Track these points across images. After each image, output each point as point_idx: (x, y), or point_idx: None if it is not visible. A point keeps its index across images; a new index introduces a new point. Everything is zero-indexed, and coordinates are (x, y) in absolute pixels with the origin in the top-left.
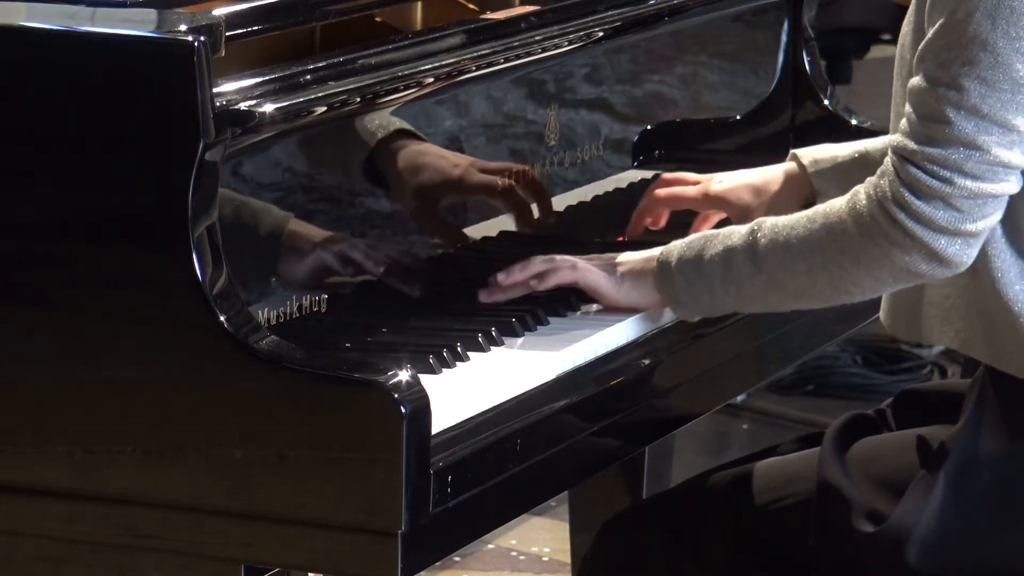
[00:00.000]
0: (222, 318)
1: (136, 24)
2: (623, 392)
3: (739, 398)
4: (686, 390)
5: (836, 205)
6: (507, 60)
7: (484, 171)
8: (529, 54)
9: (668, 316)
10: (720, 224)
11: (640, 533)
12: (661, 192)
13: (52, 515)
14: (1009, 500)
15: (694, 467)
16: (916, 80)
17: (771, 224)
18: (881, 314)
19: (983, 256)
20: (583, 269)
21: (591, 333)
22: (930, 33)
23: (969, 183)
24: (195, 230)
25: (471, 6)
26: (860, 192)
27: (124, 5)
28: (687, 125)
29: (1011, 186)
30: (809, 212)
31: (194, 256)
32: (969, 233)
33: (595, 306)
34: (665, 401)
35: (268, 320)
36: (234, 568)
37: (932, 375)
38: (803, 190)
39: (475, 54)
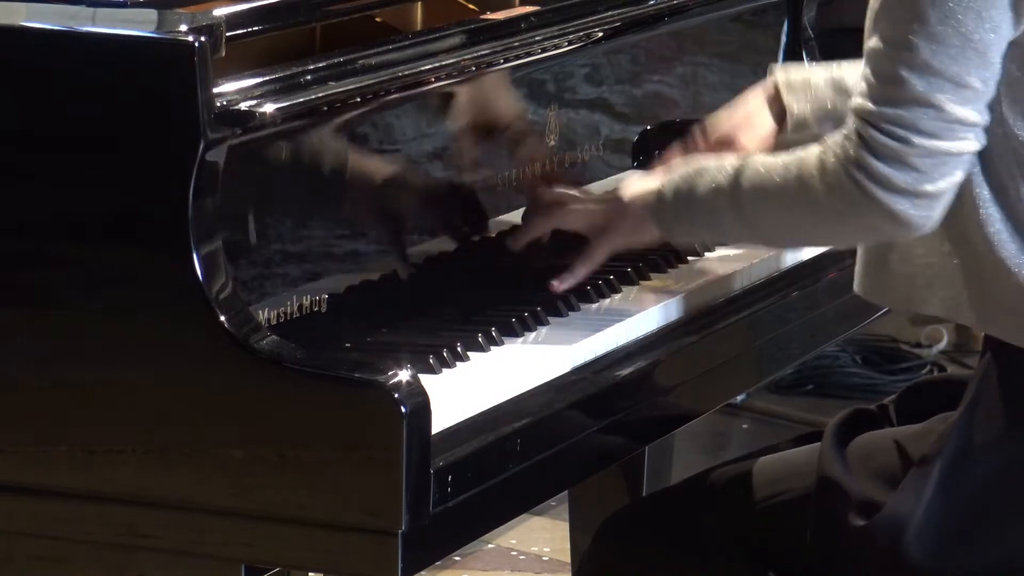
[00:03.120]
0: (222, 318)
1: (136, 24)
2: (623, 392)
3: (739, 398)
4: (686, 390)
5: (809, 159)
6: (507, 60)
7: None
8: (529, 54)
9: (668, 315)
10: None
11: (639, 531)
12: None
13: (52, 515)
14: (1006, 489)
15: (694, 467)
16: (872, 42)
17: (753, 166)
18: (855, 281)
19: (973, 221)
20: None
21: (591, 333)
22: None
23: (926, 141)
24: (196, 230)
25: (471, 6)
26: (828, 150)
27: (124, 5)
28: (687, 125)
29: (969, 144)
30: (786, 158)
31: (194, 256)
32: (928, 194)
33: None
34: (665, 400)
35: (268, 320)
36: (234, 568)
37: (932, 375)
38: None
39: (475, 54)
